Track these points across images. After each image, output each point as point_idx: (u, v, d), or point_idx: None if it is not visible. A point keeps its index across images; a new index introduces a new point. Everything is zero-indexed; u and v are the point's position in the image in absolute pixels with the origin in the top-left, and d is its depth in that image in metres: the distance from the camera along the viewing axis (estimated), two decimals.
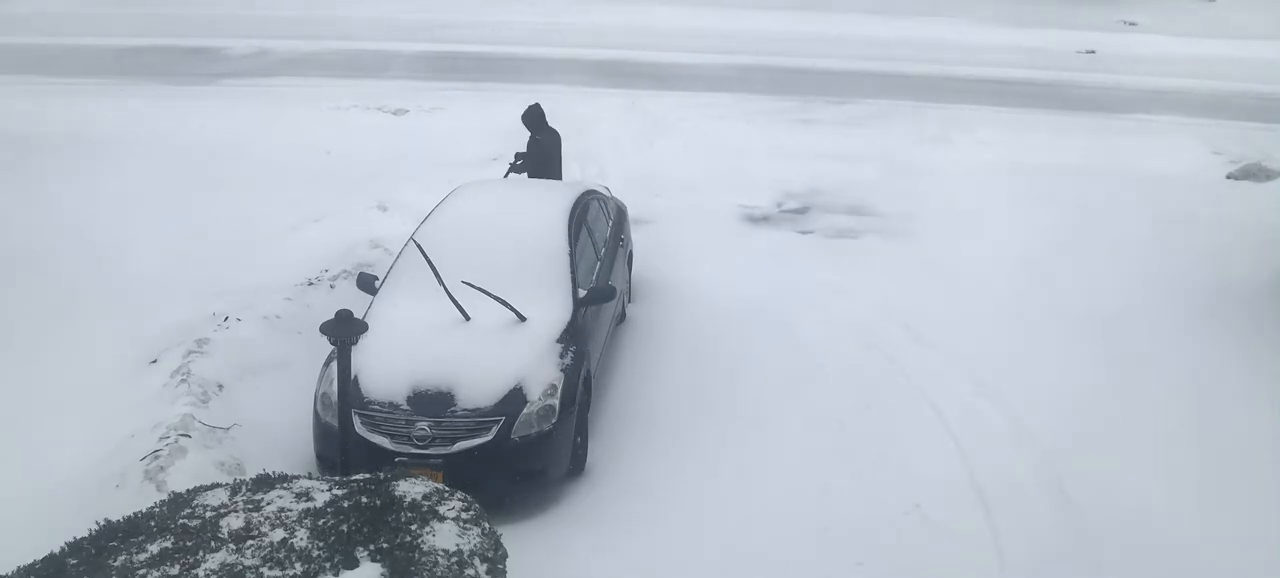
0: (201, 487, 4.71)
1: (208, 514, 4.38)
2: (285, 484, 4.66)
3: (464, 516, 4.51)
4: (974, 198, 12.17)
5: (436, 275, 6.92)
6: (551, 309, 7.10)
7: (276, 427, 7.04)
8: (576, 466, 6.86)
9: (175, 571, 3.99)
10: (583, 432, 6.92)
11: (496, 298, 6.87)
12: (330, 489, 4.60)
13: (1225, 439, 7.25)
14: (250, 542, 4.18)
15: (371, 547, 4.18)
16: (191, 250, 9.84)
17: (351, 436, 5.87)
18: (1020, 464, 6.97)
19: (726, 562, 6.04)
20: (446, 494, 4.65)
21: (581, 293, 7.36)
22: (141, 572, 3.99)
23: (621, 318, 8.84)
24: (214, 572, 3.99)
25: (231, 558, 4.07)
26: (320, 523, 4.31)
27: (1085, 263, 10.29)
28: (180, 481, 5.81)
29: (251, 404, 7.23)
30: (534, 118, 9.87)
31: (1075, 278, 9.91)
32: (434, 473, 6.11)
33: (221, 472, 6.26)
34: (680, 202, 11.87)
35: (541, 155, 9.84)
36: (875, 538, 6.23)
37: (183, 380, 7.28)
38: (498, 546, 4.51)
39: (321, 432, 6.56)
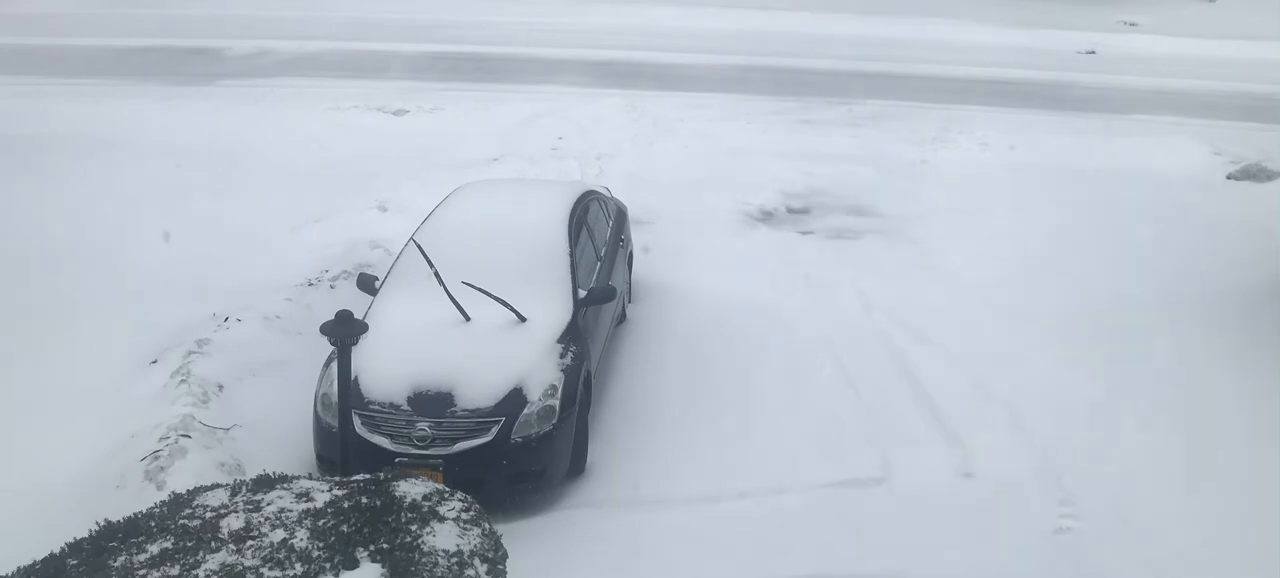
0: (201, 487, 4.70)
1: (208, 515, 4.37)
2: (285, 485, 4.65)
3: (464, 516, 4.50)
4: (974, 198, 12.18)
5: (437, 276, 6.92)
6: (552, 310, 7.09)
7: (276, 427, 7.04)
8: (576, 466, 6.86)
9: (175, 571, 3.98)
10: (583, 432, 6.92)
11: (496, 298, 6.87)
12: (330, 490, 4.60)
13: (1224, 440, 7.25)
14: (250, 542, 4.17)
15: (372, 547, 4.18)
16: (192, 250, 9.82)
17: (351, 436, 5.86)
18: (1020, 463, 6.97)
19: (727, 561, 6.04)
20: (447, 495, 4.64)
21: (581, 293, 7.36)
22: (141, 572, 3.98)
23: (622, 319, 8.84)
24: (214, 572, 3.99)
25: (231, 559, 4.06)
26: (320, 523, 4.31)
27: (1085, 263, 10.29)
28: (180, 481, 5.81)
29: (251, 404, 7.23)
30: None
31: (1075, 278, 9.91)
32: (434, 473, 6.12)
33: (221, 472, 6.26)
34: (680, 202, 11.86)
35: None
36: (876, 537, 6.23)
37: (183, 381, 7.28)
38: (498, 546, 4.50)
39: (321, 432, 6.56)
